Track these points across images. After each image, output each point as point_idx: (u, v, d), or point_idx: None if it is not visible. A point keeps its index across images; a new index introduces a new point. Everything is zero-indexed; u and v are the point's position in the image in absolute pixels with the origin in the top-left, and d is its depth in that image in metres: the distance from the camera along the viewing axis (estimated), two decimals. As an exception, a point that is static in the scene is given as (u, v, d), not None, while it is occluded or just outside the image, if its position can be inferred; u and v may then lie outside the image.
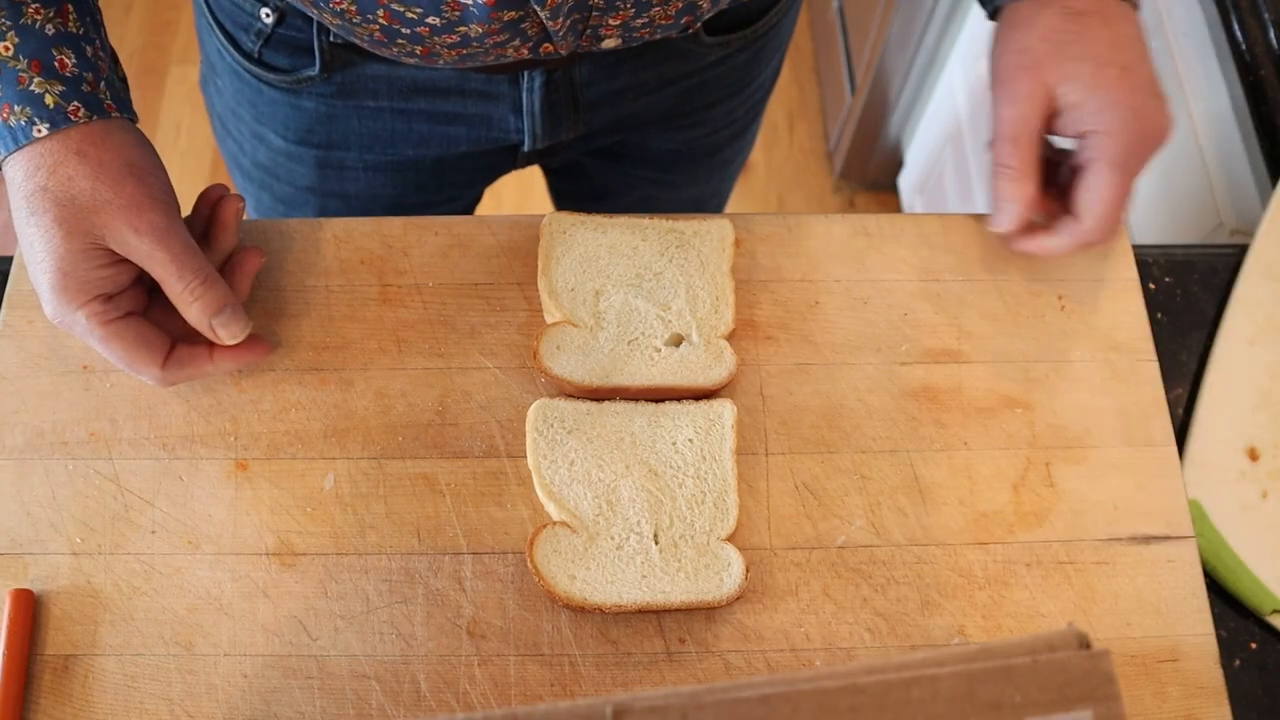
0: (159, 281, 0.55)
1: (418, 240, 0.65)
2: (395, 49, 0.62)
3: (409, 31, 0.59)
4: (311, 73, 0.70)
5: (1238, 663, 0.58)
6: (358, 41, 0.64)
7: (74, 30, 0.54)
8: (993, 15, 0.64)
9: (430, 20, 0.57)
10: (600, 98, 0.75)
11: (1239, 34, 0.87)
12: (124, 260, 0.54)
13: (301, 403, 0.61)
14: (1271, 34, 0.85)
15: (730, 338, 0.61)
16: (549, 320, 0.62)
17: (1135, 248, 0.67)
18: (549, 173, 0.99)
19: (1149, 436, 0.61)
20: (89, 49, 0.55)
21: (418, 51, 0.62)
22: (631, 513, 0.57)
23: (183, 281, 0.54)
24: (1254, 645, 0.59)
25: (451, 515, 0.58)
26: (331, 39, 0.68)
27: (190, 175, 1.97)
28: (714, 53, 0.76)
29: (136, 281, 0.56)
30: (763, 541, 0.58)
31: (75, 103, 0.53)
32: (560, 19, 0.58)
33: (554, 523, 0.56)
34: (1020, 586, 0.57)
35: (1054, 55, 0.58)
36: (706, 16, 0.67)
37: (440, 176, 0.81)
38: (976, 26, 1.42)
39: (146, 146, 0.56)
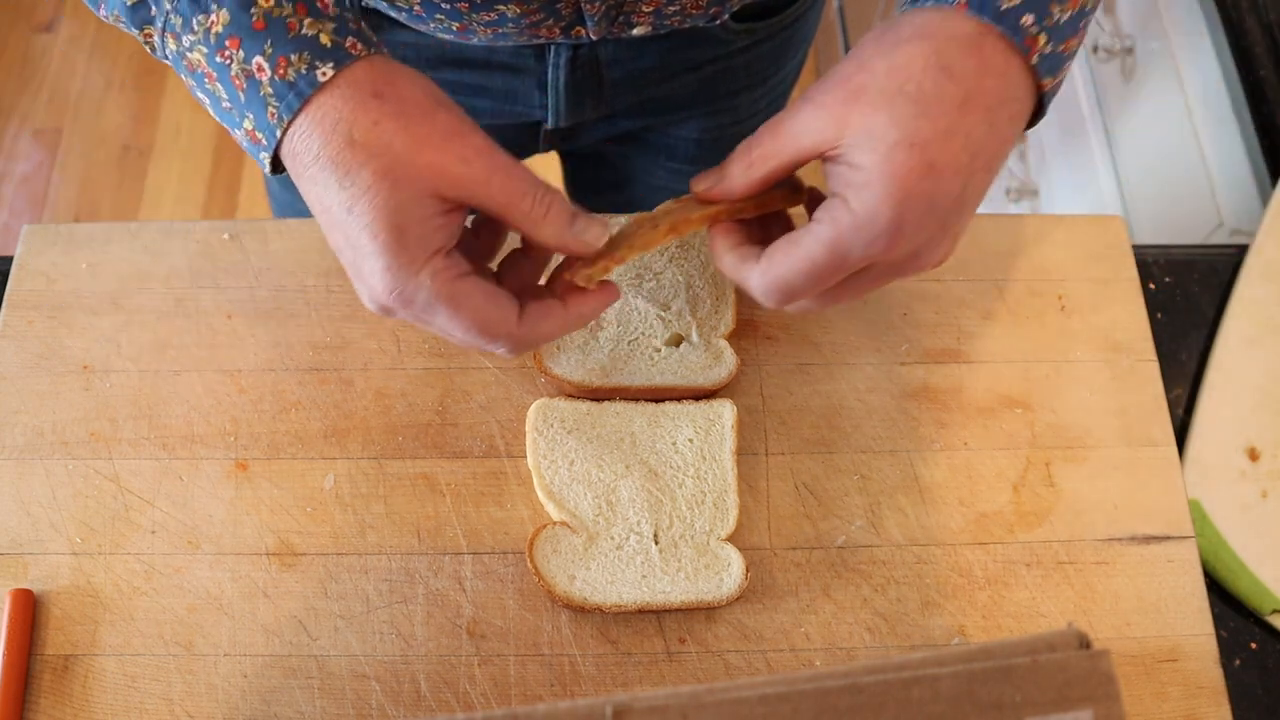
0: (499, 209, 0.47)
1: (418, 240, 0.65)
2: (433, 24, 0.62)
3: (448, 7, 0.59)
4: None
5: (1238, 663, 0.58)
6: (394, 14, 0.63)
7: None
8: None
9: None
10: (624, 78, 0.75)
11: (1239, 34, 0.87)
12: (453, 209, 0.47)
13: (301, 403, 0.61)
14: (1272, 34, 0.85)
15: (730, 338, 0.61)
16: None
17: (1135, 248, 0.67)
18: (569, 161, 0.99)
19: (1149, 436, 0.61)
20: None
21: (454, 27, 0.62)
22: (631, 513, 0.57)
23: (530, 196, 0.47)
24: (1254, 645, 0.59)
25: (451, 515, 0.58)
26: (362, 4, 0.68)
27: (190, 175, 1.98)
28: (740, 40, 0.76)
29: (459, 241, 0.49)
30: (763, 541, 0.58)
31: (350, 38, 0.46)
32: (596, 3, 0.58)
33: (554, 523, 0.56)
34: (1020, 586, 0.57)
35: (878, 100, 0.45)
36: (735, 7, 0.67)
37: None
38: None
39: (425, 76, 0.49)
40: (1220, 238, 0.91)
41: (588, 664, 0.55)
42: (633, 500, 0.57)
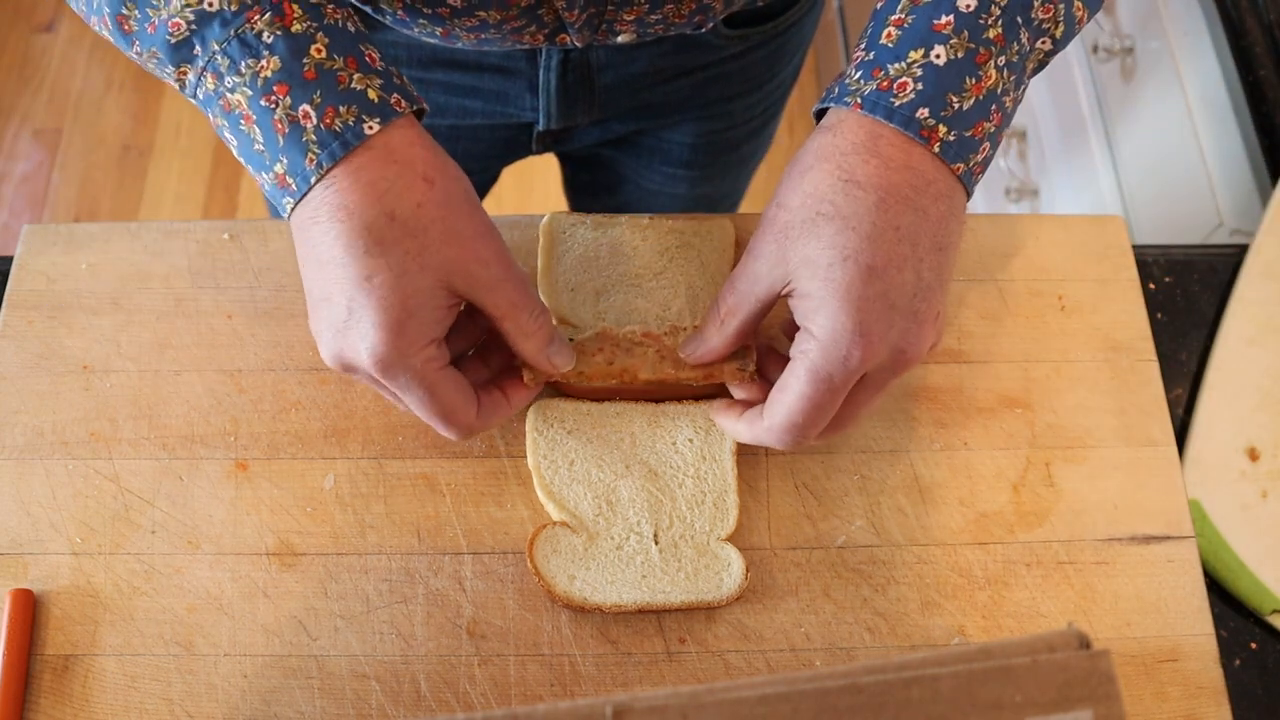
0: (497, 314, 0.50)
1: (418, 240, 0.65)
2: (417, 28, 0.63)
3: (430, 12, 0.60)
4: None
5: (1238, 663, 0.58)
6: (380, 18, 0.64)
7: (362, 28, 0.50)
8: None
9: (451, 2, 0.58)
10: (616, 82, 0.75)
11: (1239, 34, 0.87)
12: (456, 302, 0.49)
13: (301, 403, 0.61)
14: (1272, 34, 0.85)
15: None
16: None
17: (1135, 248, 0.67)
18: (566, 164, 1.00)
19: (1149, 436, 0.61)
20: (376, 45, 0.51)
21: (438, 32, 0.63)
22: (631, 513, 0.57)
23: (528, 311, 0.51)
24: (1254, 645, 0.59)
25: (451, 515, 0.58)
26: (350, 4, 0.68)
27: (190, 175, 1.98)
28: (733, 46, 0.76)
29: None
30: (763, 541, 0.58)
31: (395, 94, 0.48)
32: (576, 10, 0.59)
33: (554, 523, 0.56)
34: (1020, 586, 0.57)
35: (804, 230, 0.48)
36: (720, 17, 0.67)
37: (454, 145, 0.82)
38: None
39: (456, 165, 0.51)
40: (1220, 238, 0.91)
41: (588, 664, 0.55)
42: (633, 500, 0.57)
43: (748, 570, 0.55)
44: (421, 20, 0.62)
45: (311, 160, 0.46)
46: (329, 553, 0.57)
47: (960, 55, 0.47)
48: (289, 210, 0.48)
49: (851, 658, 0.55)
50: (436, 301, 0.48)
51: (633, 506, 0.57)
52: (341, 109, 0.46)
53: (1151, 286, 0.68)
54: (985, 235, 0.67)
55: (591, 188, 0.98)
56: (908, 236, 0.47)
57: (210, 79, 0.47)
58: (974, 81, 0.47)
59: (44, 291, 0.63)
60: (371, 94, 0.47)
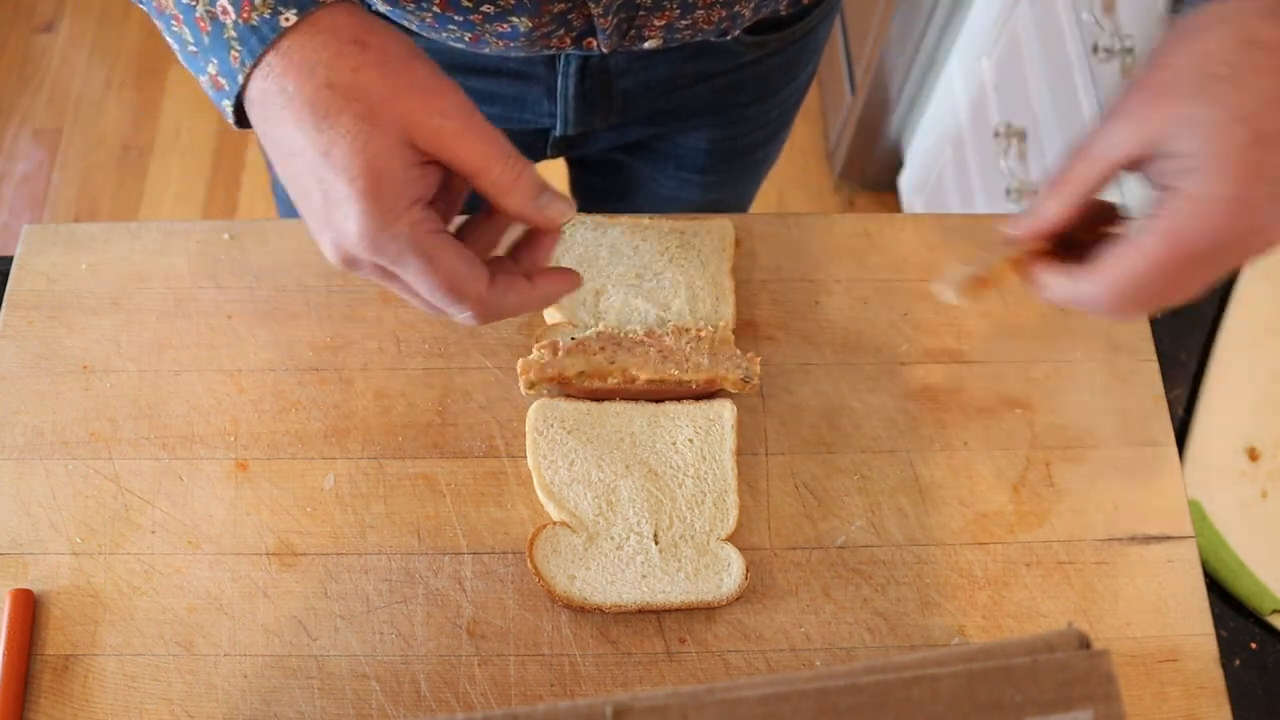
0: (469, 170, 0.47)
1: (418, 240, 0.65)
2: (445, 34, 0.62)
3: (461, 19, 0.59)
4: None
5: (1238, 663, 0.58)
6: (406, 24, 0.63)
7: None
8: (1174, 6, 0.50)
9: (485, 8, 0.57)
10: (634, 88, 0.75)
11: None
12: (429, 161, 0.46)
13: (301, 403, 0.61)
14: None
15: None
16: (549, 321, 0.62)
17: (1135, 248, 0.67)
18: (578, 169, 0.99)
19: (1149, 436, 0.61)
20: None
21: (466, 38, 0.62)
22: (631, 513, 0.57)
23: (502, 162, 0.47)
24: (1254, 645, 0.59)
25: (451, 515, 0.58)
26: (373, 9, 0.68)
27: (190, 174, 1.97)
28: (751, 53, 0.76)
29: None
30: (763, 541, 0.58)
31: None
32: (609, 16, 0.59)
33: (554, 523, 0.56)
34: (1020, 586, 0.57)
35: (1191, 89, 0.44)
36: (747, 23, 0.67)
37: None
38: (976, 26, 1.42)
39: (399, 30, 0.49)
40: (1220, 238, 0.91)
41: (588, 664, 0.55)
42: (633, 500, 0.57)
43: (748, 570, 0.55)
44: (451, 26, 0.61)
45: (235, 58, 0.45)
46: (329, 553, 0.57)
47: None
48: (230, 113, 0.46)
49: (851, 658, 0.55)
50: (404, 158, 0.45)
51: (633, 506, 0.57)
52: (257, 1, 0.44)
53: (1151, 286, 0.68)
54: (985, 235, 0.67)
55: (603, 192, 0.98)
56: None
57: None
58: None
59: (44, 291, 0.63)
60: None
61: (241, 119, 0.47)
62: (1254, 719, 0.57)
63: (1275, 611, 0.59)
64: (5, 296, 0.63)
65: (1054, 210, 0.49)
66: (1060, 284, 0.50)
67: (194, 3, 0.45)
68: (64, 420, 0.60)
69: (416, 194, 0.45)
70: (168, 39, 0.48)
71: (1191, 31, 0.46)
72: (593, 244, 0.63)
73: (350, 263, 0.47)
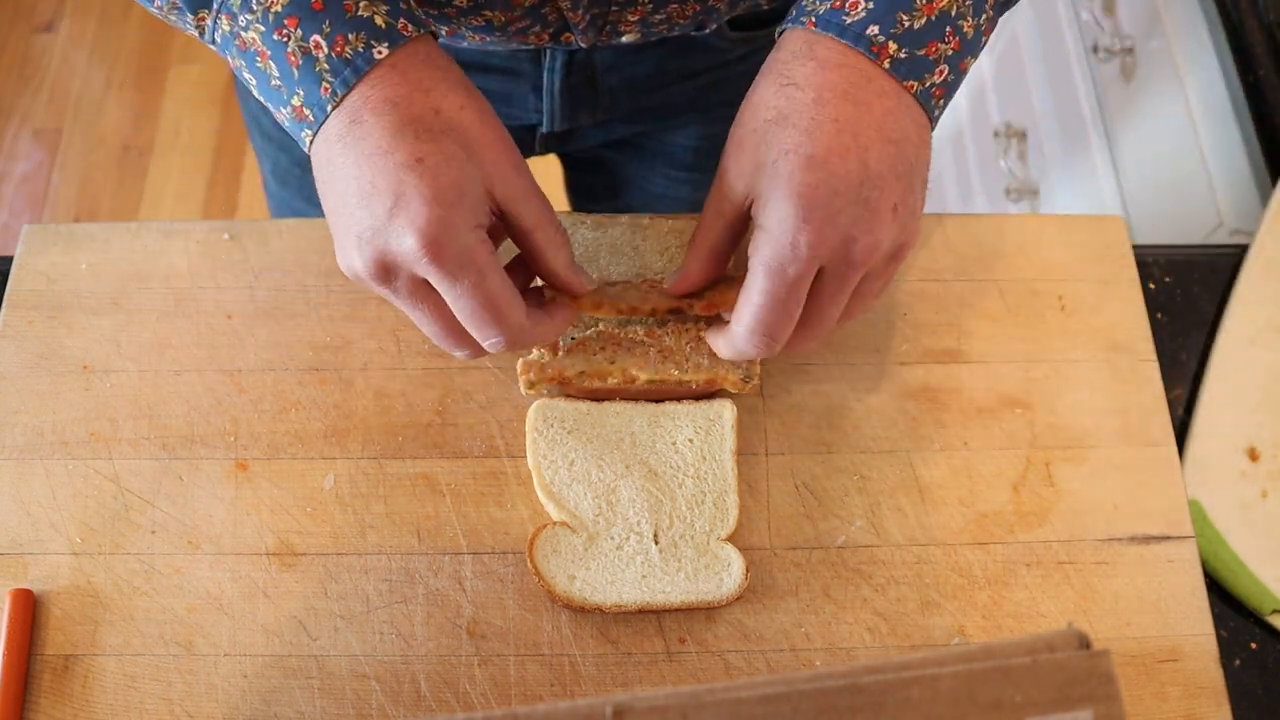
0: (530, 227, 0.50)
1: (418, 240, 0.65)
2: None
3: (436, 12, 0.60)
4: None
5: (1238, 663, 0.58)
6: None
7: None
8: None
9: (457, 2, 0.58)
10: (620, 84, 0.75)
11: (1239, 33, 0.87)
12: (494, 207, 0.49)
13: (301, 403, 0.61)
14: (1272, 34, 0.85)
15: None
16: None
17: (1135, 248, 0.67)
18: (568, 166, 0.99)
19: (1149, 436, 0.61)
20: None
21: (443, 32, 0.63)
22: (631, 513, 0.57)
23: (555, 223, 0.51)
24: (1254, 645, 0.59)
25: (451, 515, 0.58)
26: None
27: (190, 174, 1.98)
28: (738, 49, 0.76)
29: None
30: (763, 541, 0.58)
31: (402, 19, 0.49)
32: (580, 11, 0.59)
33: (554, 523, 0.56)
34: (1020, 586, 0.57)
35: (754, 137, 0.50)
36: (725, 18, 0.67)
37: None
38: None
39: None
40: (1220, 238, 0.91)
41: (588, 664, 0.55)
42: (633, 500, 0.57)
43: (748, 570, 0.55)
44: (428, 18, 0.62)
45: (326, 89, 0.47)
46: (329, 553, 0.57)
47: None
48: (308, 143, 0.49)
49: (851, 658, 0.55)
50: (481, 196, 0.48)
51: (633, 506, 0.57)
52: (350, 36, 0.47)
53: (1151, 286, 0.68)
54: (985, 235, 0.67)
55: (594, 191, 0.98)
56: (848, 127, 0.48)
57: (225, 21, 0.49)
58: (925, 2, 0.48)
59: (44, 291, 0.63)
60: (379, 19, 0.48)
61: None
62: (1254, 719, 0.57)
63: (1275, 611, 0.59)
64: (5, 296, 0.63)
65: (694, 267, 0.54)
66: (717, 345, 0.55)
67: (285, 39, 0.48)
68: (64, 420, 0.60)
69: (484, 221, 0.48)
70: (246, 76, 0.50)
71: (752, 88, 0.51)
72: (593, 244, 0.63)
73: (388, 271, 0.48)
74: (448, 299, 0.48)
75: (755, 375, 0.58)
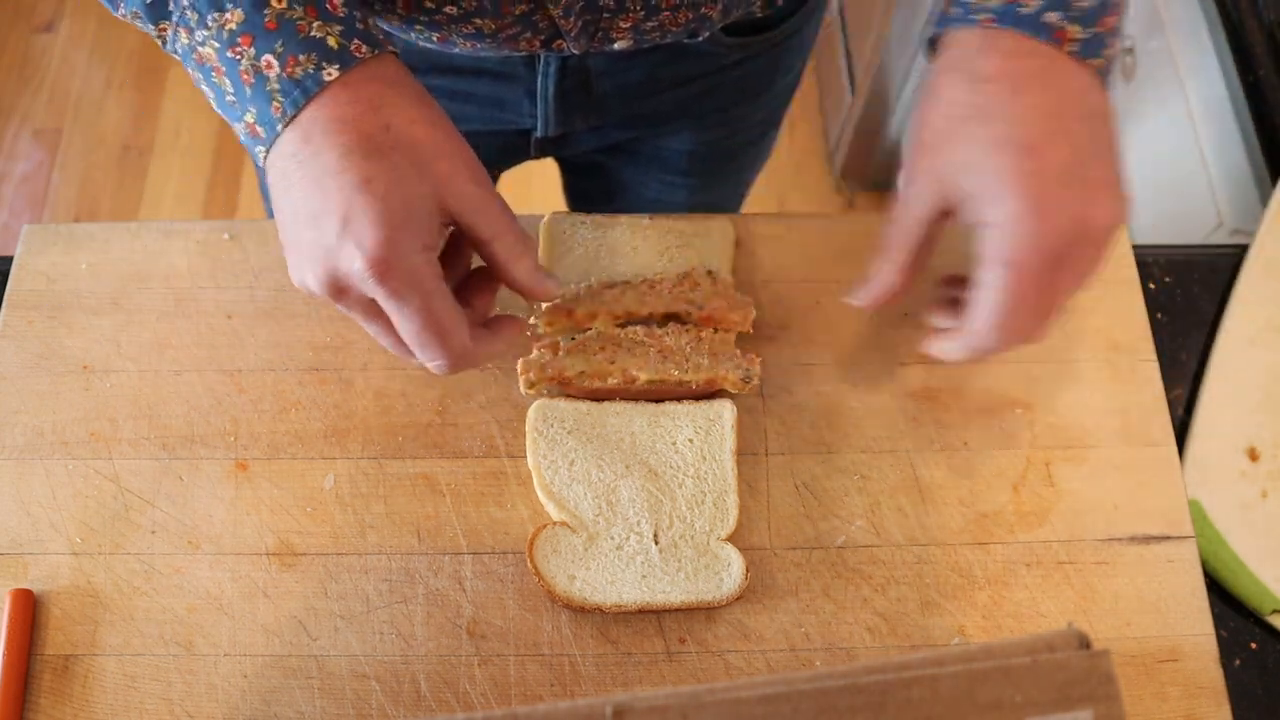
0: (489, 237, 0.50)
1: (418, 240, 0.65)
2: (413, 33, 0.63)
3: (426, 18, 0.60)
4: None
5: (1238, 663, 0.58)
6: (378, 22, 0.64)
7: None
8: (929, 54, 0.55)
9: (448, 9, 0.58)
10: (614, 89, 0.75)
11: (1239, 33, 0.87)
12: (446, 223, 0.50)
13: (301, 403, 0.61)
14: (1272, 34, 0.85)
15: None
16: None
17: (1135, 248, 0.67)
18: (566, 170, 0.99)
19: (1149, 436, 0.61)
20: None
21: (434, 38, 0.63)
22: (631, 513, 0.57)
23: (515, 233, 0.51)
24: (1254, 645, 0.59)
25: (451, 515, 0.58)
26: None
27: (190, 174, 1.97)
28: (732, 55, 0.76)
29: None
30: (763, 541, 0.58)
31: (356, 40, 0.49)
32: (572, 18, 0.59)
33: (554, 523, 0.56)
34: (1020, 586, 0.57)
35: (950, 138, 0.50)
36: (717, 26, 0.67)
37: None
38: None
39: None
40: (1220, 238, 0.91)
41: (588, 664, 0.55)
42: (633, 500, 0.57)
43: (748, 570, 0.55)
44: (418, 26, 0.62)
45: (277, 109, 0.48)
46: (329, 553, 0.57)
47: None
48: (262, 158, 0.49)
49: (851, 658, 0.55)
50: (432, 211, 0.48)
51: (633, 506, 0.57)
52: (302, 57, 0.47)
53: (1151, 286, 0.68)
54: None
55: (590, 195, 0.98)
56: (1052, 112, 0.49)
57: (183, 34, 0.49)
58: None
59: (44, 291, 0.63)
60: (331, 41, 0.48)
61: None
62: (1254, 719, 0.57)
63: (1275, 611, 0.59)
64: (5, 296, 0.63)
65: (889, 275, 0.54)
66: (950, 349, 0.54)
67: (239, 57, 0.48)
68: (64, 420, 0.60)
69: (432, 241, 0.48)
70: (204, 89, 0.50)
71: (933, 89, 0.51)
72: (593, 244, 0.63)
73: (339, 289, 0.48)
74: (393, 319, 0.49)
75: (755, 375, 0.58)
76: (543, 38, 0.62)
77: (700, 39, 0.69)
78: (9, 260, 0.64)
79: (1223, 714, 0.55)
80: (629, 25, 0.62)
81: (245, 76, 0.48)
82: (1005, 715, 0.39)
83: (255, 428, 0.60)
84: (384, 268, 0.46)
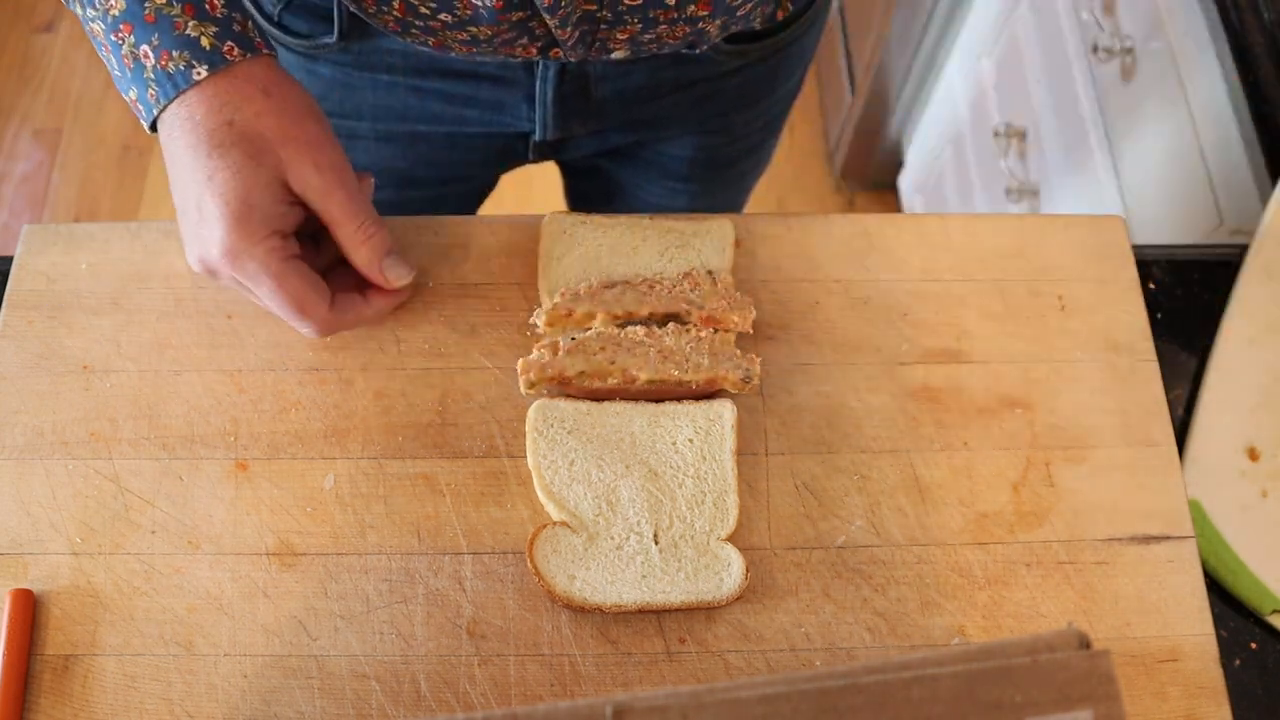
0: (331, 222, 0.55)
1: (417, 240, 0.65)
2: (409, 38, 0.64)
3: (422, 24, 0.60)
4: (329, 40, 0.71)
5: (1238, 663, 0.58)
6: (374, 25, 0.64)
7: None
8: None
9: (442, 16, 0.58)
10: (613, 94, 0.75)
11: (1239, 34, 0.87)
12: (297, 201, 0.54)
13: (301, 403, 0.61)
14: (1272, 34, 0.85)
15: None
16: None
17: (1135, 248, 0.67)
18: (566, 173, 0.99)
19: (1149, 436, 0.61)
20: None
21: (430, 43, 0.63)
22: (631, 513, 0.57)
23: (357, 220, 0.55)
24: (1254, 645, 0.59)
25: (451, 515, 0.58)
26: (350, 9, 0.68)
27: (190, 175, 1.97)
28: (732, 62, 0.76)
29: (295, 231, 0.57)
30: (763, 541, 0.58)
31: (229, 42, 0.52)
32: (569, 29, 0.59)
33: (554, 523, 0.56)
34: (1020, 586, 0.57)
35: None
36: (715, 39, 0.67)
37: (451, 152, 0.81)
38: (976, 26, 1.42)
39: (304, 88, 0.57)
40: (1220, 238, 0.91)
41: (588, 664, 0.55)
42: (633, 500, 0.57)
43: (748, 570, 0.55)
44: (414, 31, 0.62)
45: (152, 95, 0.52)
46: (329, 553, 0.57)
47: None
48: (146, 129, 0.54)
49: (851, 658, 0.55)
50: (275, 195, 0.52)
51: (633, 506, 0.57)
52: (174, 54, 0.51)
53: (1151, 286, 0.68)
54: (985, 235, 0.67)
55: (590, 198, 0.98)
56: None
57: (79, 7, 0.53)
58: None
59: (44, 291, 0.63)
60: (205, 41, 0.51)
61: (155, 129, 0.55)
62: (1254, 719, 0.57)
63: (1275, 611, 0.59)
64: (5, 296, 0.63)
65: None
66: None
67: (120, 41, 0.52)
68: (64, 420, 0.60)
69: (277, 226, 0.53)
70: (101, 56, 0.54)
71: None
72: (592, 244, 0.63)
73: (211, 272, 0.54)
74: (257, 297, 0.55)
75: (755, 375, 0.58)
76: (539, 45, 0.62)
77: (697, 51, 0.69)
78: (9, 260, 0.64)
79: (1223, 714, 0.55)
80: (626, 37, 0.62)
81: (126, 60, 0.52)
82: (1005, 715, 0.39)
83: (255, 428, 0.60)
84: (232, 256, 0.52)
